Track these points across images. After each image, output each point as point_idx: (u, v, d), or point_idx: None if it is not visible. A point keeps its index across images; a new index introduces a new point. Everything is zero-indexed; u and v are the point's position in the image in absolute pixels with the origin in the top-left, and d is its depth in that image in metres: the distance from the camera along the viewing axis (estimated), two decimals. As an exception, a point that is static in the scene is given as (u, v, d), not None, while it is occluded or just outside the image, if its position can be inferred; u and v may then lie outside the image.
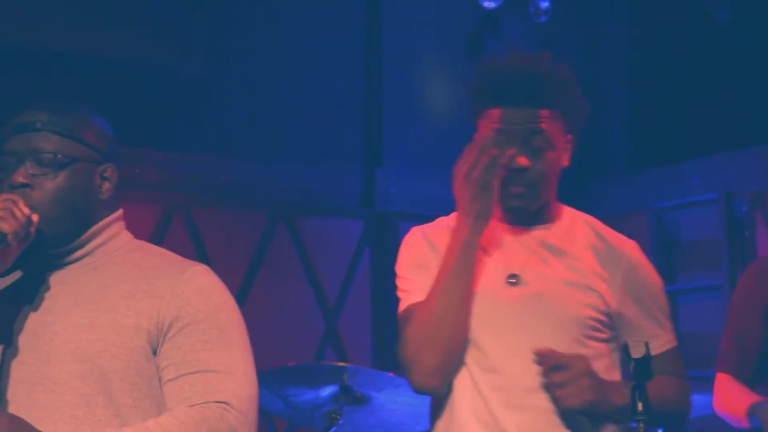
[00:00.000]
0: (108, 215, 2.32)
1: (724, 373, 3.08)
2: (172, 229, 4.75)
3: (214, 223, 4.85)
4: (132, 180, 4.53)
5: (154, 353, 2.21)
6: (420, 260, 2.49)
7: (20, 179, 2.21)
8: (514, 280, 2.42)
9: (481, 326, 2.39)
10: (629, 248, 2.49)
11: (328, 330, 5.10)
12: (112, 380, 2.18)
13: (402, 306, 2.47)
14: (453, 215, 2.48)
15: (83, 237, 2.28)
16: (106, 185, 2.30)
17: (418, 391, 2.42)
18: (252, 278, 4.93)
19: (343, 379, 3.25)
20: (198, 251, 4.75)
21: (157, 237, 4.64)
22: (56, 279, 2.27)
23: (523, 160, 2.40)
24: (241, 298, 4.80)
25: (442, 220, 2.55)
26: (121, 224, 2.36)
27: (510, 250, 2.46)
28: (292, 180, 5.00)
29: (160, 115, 4.64)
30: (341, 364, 3.47)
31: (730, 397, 3.06)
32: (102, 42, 4.37)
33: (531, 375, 2.33)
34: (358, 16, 5.13)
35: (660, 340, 2.44)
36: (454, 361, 2.38)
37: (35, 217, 2.19)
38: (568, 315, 2.38)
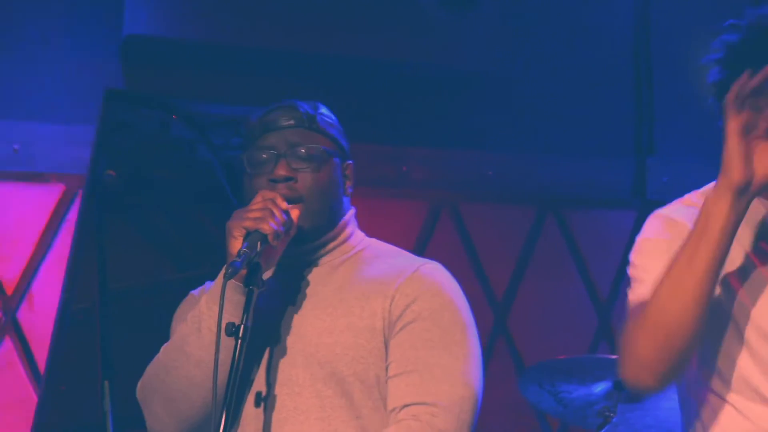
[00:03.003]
0: (345, 214, 2.38)
1: None
2: (440, 225, 4.77)
3: (482, 218, 4.84)
4: (399, 178, 4.59)
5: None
6: (660, 247, 2.19)
7: (283, 172, 2.27)
8: None
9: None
10: None
11: (601, 324, 4.99)
12: (352, 383, 2.20)
13: (633, 297, 2.20)
14: (699, 192, 2.27)
15: (331, 233, 2.33)
16: (348, 183, 2.37)
17: (630, 385, 2.25)
18: (521, 272, 4.88)
19: (617, 374, 3.15)
20: (466, 247, 4.75)
21: (426, 233, 4.68)
22: (300, 280, 2.31)
23: None
24: (510, 292, 4.77)
25: (690, 198, 2.29)
26: (356, 222, 2.41)
27: None
28: (561, 172, 4.93)
29: (426, 113, 4.68)
30: (616, 357, 3.33)
31: None
32: (370, 44, 4.44)
33: None
34: (624, 2, 5.01)
35: None
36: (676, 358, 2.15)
37: (295, 214, 2.23)
38: None
